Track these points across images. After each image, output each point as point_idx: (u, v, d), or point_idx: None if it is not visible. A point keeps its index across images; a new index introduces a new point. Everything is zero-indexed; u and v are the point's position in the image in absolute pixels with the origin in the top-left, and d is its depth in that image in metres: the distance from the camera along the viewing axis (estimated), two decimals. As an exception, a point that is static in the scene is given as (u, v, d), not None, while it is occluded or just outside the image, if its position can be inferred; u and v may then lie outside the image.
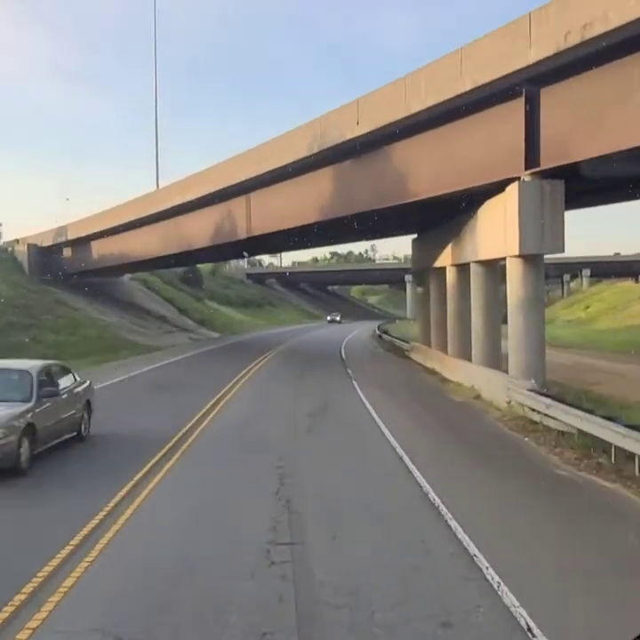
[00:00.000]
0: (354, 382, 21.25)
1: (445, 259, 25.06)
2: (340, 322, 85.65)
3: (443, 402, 17.52)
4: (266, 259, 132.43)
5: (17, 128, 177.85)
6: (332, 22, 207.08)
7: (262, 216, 27.79)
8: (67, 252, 49.36)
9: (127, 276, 58.72)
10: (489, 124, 16.76)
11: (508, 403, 15.15)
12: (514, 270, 16.54)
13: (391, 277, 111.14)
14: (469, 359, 22.81)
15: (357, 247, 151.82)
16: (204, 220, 31.90)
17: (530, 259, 16.24)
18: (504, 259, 17.75)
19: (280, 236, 28.44)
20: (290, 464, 9.95)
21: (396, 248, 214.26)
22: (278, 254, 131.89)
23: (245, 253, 51.59)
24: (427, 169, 19.48)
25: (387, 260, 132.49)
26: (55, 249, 48.94)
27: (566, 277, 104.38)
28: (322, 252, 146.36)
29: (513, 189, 15.98)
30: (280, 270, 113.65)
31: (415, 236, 33.33)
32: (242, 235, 28.83)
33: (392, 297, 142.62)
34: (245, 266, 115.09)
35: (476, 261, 20.06)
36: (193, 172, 32.00)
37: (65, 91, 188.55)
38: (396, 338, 40.45)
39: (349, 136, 20.58)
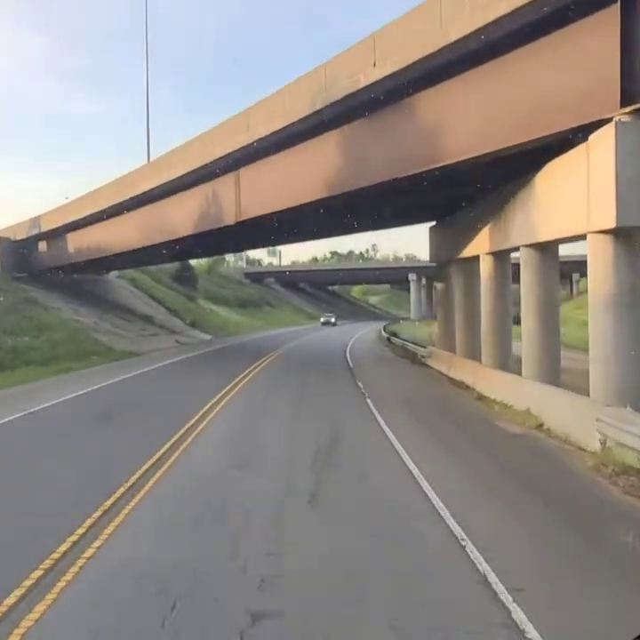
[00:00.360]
0: (368, 402, 16.56)
1: (478, 246, 20.40)
2: (334, 324, 74.53)
3: (495, 434, 12.78)
4: (265, 258, 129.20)
5: (16, 127, 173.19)
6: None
7: (254, 196, 23.08)
8: (42, 246, 44.74)
9: (113, 274, 54.24)
10: (564, 47, 12.05)
11: (602, 443, 10.45)
12: (600, 253, 11.79)
13: (394, 276, 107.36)
14: (511, 370, 18.27)
15: (358, 247, 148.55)
16: (187, 204, 27.19)
17: (626, 235, 11.53)
18: (574, 239, 13.12)
19: (275, 220, 23.72)
20: (280, 601, 5.24)
21: (397, 248, 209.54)
22: (277, 254, 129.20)
23: (237, 247, 46.82)
24: (466, 122, 14.76)
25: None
26: (30, 243, 44.20)
27: (576, 277, 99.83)
28: (322, 252, 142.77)
29: (604, 136, 11.27)
30: (279, 269, 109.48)
31: (433, 223, 28.64)
32: (230, 219, 24.08)
33: (393, 297, 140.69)
34: (244, 265, 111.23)
35: (531, 245, 15.35)
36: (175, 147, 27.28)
37: (63, 89, 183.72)
38: (407, 341, 35.80)
39: (363, 83, 15.86)
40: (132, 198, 29.41)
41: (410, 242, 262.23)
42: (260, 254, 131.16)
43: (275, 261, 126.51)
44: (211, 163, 23.35)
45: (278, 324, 73.46)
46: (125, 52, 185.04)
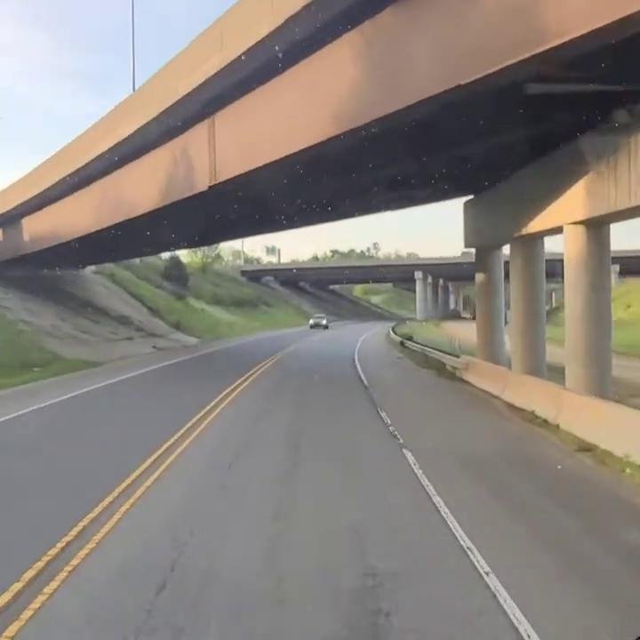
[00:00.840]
0: (406, 454, 10.14)
1: (558, 214, 13.98)
2: (326, 326, 61.53)
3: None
4: (264, 257, 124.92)
5: (19, 126, 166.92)
6: None
7: (234, 149, 16.63)
8: (-2, 234, 38.29)
9: (89, 270, 48.04)
10: None
11: None
12: None
13: (399, 274, 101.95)
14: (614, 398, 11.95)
15: (359, 245, 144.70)
16: (147, 172, 20.72)
17: None
18: None
19: (262, 184, 17.25)
20: None
21: (399, 246, 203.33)
22: (277, 252, 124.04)
23: (222, 234, 40.38)
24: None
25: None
26: (-16, 231, 37.81)
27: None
28: (322, 251, 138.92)
29: None
30: (281, 267, 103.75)
31: (470, 197, 22.26)
32: (203, 184, 17.55)
33: (396, 297, 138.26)
34: (242, 263, 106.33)
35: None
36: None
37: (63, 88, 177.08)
38: (425, 346, 29.30)
39: None
40: (81, 169, 23.05)
41: (411, 241, 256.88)
42: (258, 253, 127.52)
43: (274, 260, 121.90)
44: (173, 107, 16.95)
45: (276, 324, 67.21)
46: (125, 52, 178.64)
